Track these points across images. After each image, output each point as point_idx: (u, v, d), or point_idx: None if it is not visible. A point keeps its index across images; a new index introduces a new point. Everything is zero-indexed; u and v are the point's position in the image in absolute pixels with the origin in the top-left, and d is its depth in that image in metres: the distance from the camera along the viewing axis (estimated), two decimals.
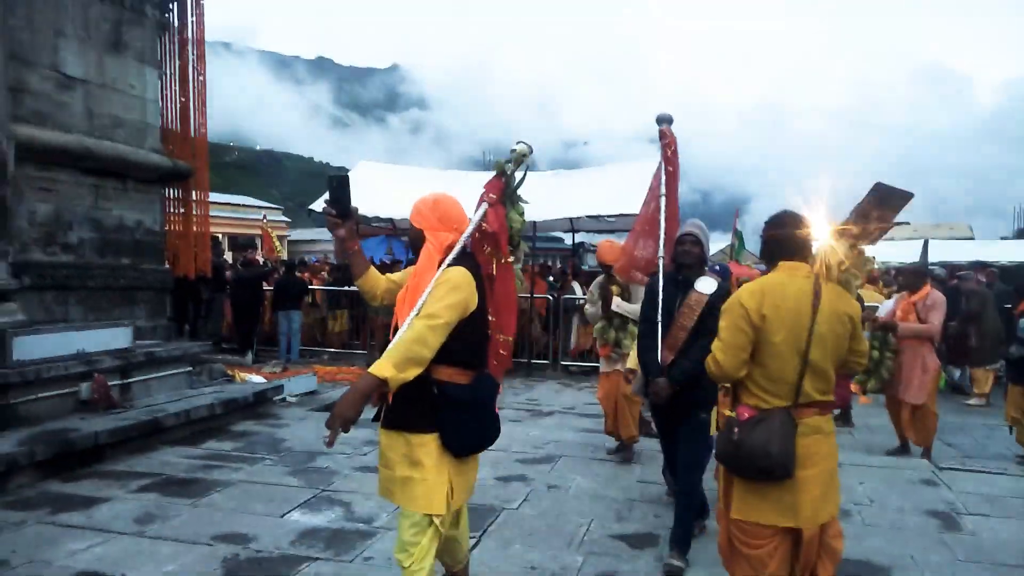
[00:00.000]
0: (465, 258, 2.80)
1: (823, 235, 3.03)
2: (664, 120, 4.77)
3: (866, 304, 7.21)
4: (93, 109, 8.22)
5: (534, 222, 12.90)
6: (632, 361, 5.27)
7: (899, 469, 5.83)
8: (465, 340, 2.66)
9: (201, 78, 9.80)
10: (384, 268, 14.64)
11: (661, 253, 4.38)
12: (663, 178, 4.67)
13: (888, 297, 9.99)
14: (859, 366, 3.04)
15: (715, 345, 2.85)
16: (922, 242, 18.86)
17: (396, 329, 2.69)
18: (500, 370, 3.35)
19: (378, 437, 2.79)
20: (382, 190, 13.67)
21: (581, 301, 10.36)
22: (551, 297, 12.54)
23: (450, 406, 2.65)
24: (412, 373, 2.50)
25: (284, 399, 7.72)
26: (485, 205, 3.08)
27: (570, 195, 12.95)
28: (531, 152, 3.38)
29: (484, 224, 3.06)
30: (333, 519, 4.40)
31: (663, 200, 4.62)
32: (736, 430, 2.72)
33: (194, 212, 9.76)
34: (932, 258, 11.52)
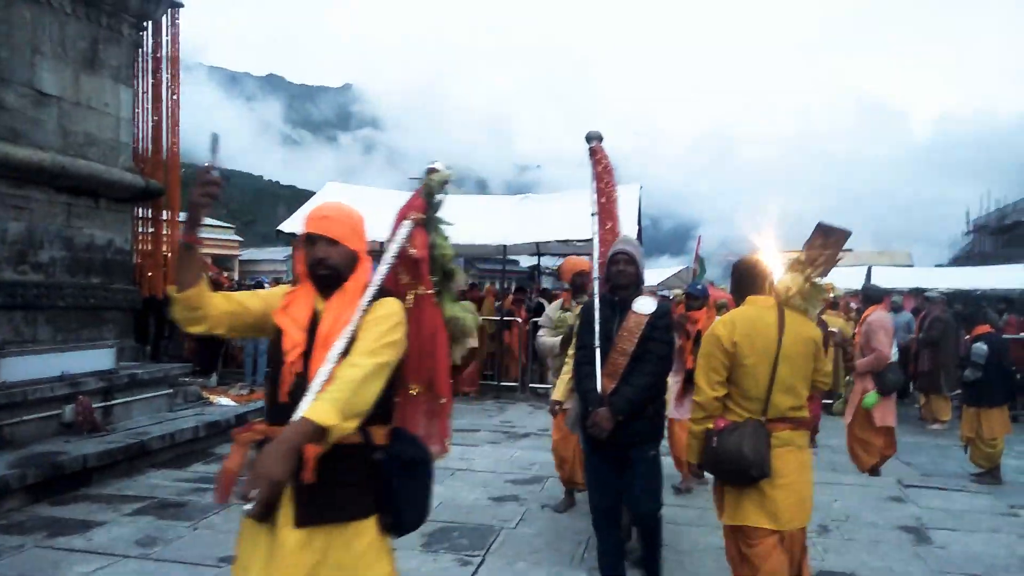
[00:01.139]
0: (387, 291, 2.31)
1: (779, 269, 3.51)
2: (593, 138, 4.59)
3: (829, 328, 7.60)
4: (67, 127, 8.12)
5: (504, 246, 13.11)
6: (559, 392, 4.72)
7: (869, 487, 6.15)
8: (389, 387, 2.18)
9: (174, 97, 9.74)
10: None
11: (596, 274, 4.06)
12: (594, 196, 4.50)
13: (850, 321, 10.49)
14: (824, 385, 3.50)
15: (696, 371, 3.31)
16: (865, 268, 19.63)
17: (297, 379, 2.11)
18: (451, 393, 2.75)
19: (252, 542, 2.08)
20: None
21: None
22: (519, 320, 12.72)
23: (405, 472, 2.17)
24: (352, 425, 1.96)
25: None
26: (409, 224, 2.53)
27: (538, 220, 13.19)
28: (452, 175, 2.74)
29: (408, 248, 2.51)
30: None
31: (594, 220, 4.42)
32: (714, 438, 3.13)
33: (164, 231, 9.67)
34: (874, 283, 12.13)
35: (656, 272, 24.66)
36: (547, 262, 18.23)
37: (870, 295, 7.30)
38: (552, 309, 5.49)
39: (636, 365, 3.58)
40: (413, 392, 2.49)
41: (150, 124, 9.54)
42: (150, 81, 9.53)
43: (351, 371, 1.99)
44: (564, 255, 15.90)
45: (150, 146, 9.52)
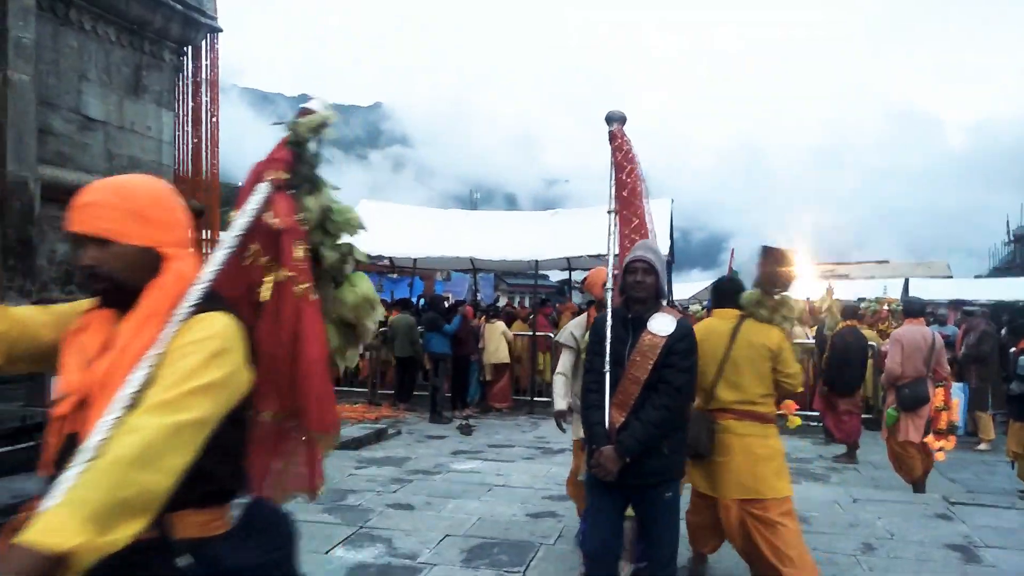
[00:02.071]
0: (214, 299, 1.60)
1: (751, 287, 4.05)
2: (614, 119, 4.01)
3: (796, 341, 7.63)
4: (112, 151, 8.37)
5: (536, 261, 13.15)
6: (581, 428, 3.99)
7: (914, 504, 6.02)
8: (226, 450, 1.52)
9: (214, 119, 9.99)
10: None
11: (610, 284, 3.54)
12: (612, 190, 3.94)
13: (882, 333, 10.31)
14: (790, 386, 3.97)
15: None
16: (903, 280, 19.32)
17: (68, 442, 1.48)
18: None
19: None
20: (381, 228, 13.87)
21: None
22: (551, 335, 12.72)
23: None
24: (128, 530, 1.27)
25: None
26: (266, 187, 1.85)
27: (569, 234, 13.23)
28: (331, 118, 2.00)
29: (266, 217, 1.81)
30: (378, 555, 4.48)
31: (612, 217, 3.88)
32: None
33: (204, 251, 9.87)
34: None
35: (688, 286, 24.51)
36: (578, 277, 18.25)
37: (910, 308, 7.18)
38: (576, 326, 4.65)
39: (648, 396, 3.08)
40: (264, 418, 1.82)
41: (190, 146, 9.79)
42: (190, 104, 9.78)
43: (125, 441, 1.30)
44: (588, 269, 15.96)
45: (190, 167, 9.77)
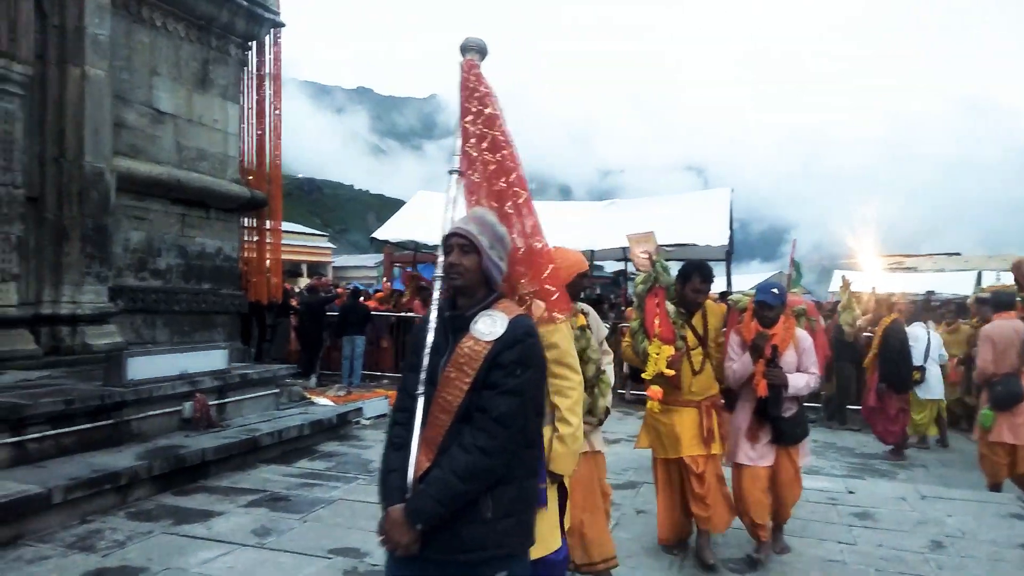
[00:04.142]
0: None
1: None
2: (471, 48, 2.93)
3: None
4: (182, 143, 8.68)
5: (592, 251, 13.10)
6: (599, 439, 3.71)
7: (986, 503, 5.80)
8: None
9: (277, 112, 10.24)
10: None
11: (439, 272, 2.30)
12: (457, 140, 2.81)
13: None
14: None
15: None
16: (975, 273, 18.50)
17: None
18: None
19: None
20: (438, 219, 14.01)
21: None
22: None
23: None
24: None
25: (359, 422, 7.95)
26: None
27: (625, 225, 13.11)
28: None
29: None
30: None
31: (453, 179, 2.67)
32: None
33: (267, 240, 10.17)
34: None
35: (747, 278, 24.04)
36: (633, 268, 18.09)
37: (999, 301, 6.74)
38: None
39: (460, 431, 2.04)
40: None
41: (254, 138, 10.07)
42: (254, 97, 10.06)
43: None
44: None
45: (254, 158, 10.06)
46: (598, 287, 21.62)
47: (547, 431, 2.96)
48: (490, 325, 2.12)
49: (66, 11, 7.06)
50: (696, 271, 4.14)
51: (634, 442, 4.62)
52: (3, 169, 6.16)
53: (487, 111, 2.77)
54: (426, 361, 2.15)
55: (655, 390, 4.12)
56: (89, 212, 7.14)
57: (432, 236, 13.87)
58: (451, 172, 2.75)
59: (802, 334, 4.34)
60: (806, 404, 4.53)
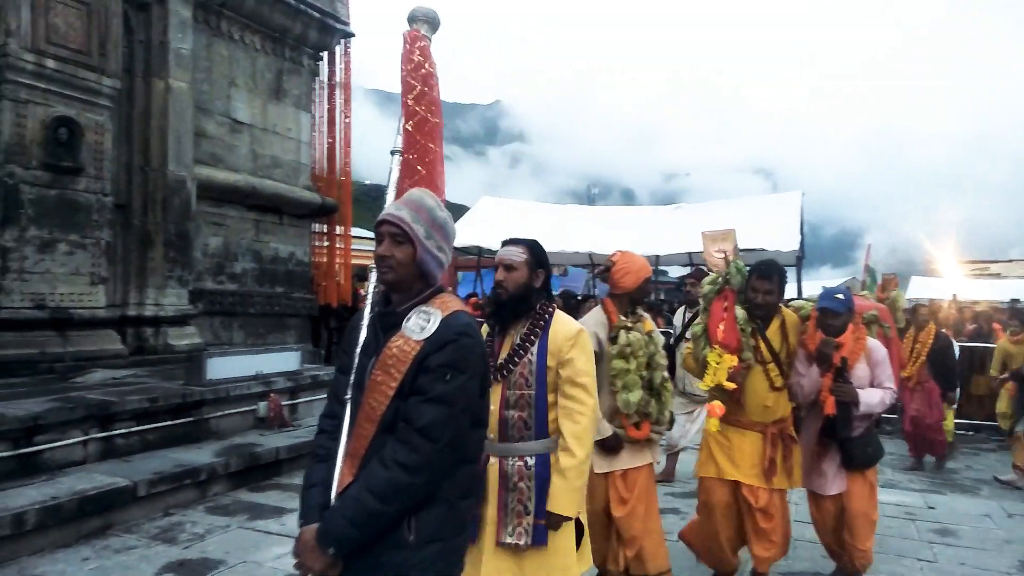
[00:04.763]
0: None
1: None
2: (418, 19, 2.77)
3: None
4: (257, 151, 9.00)
5: (657, 256, 12.97)
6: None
7: None
8: None
9: (347, 120, 10.51)
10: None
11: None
12: (401, 120, 2.62)
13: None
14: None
15: None
16: None
17: None
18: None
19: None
20: (501, 224, 14.13)
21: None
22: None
23: None
24: None
25: None
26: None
27: (691, 229, 12.93)
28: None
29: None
30: None
31: (394, 159, 2.48)
32: None
33: (337, 245, 10.43)
34: None
35: (817, 284, 23.30)
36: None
37: None
38: (599, 325, 3.54)
39: (383, 443, 1.79)
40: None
41: (325, 146, 10.36)
42: (325, 106, 10.35)
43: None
44: None
45: (325, 166, 10.34)
46: (662, 292, 21.37)
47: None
48: (422, 323, 1.87)
49: (151, 27, 7.43)
50: (755, 269, 3.62)
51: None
52: (94, 178, 6.51)
53: (431, 93, 2.49)
54: (357, 362, 1.93)
55: (716, 406, 3.57)
56: (172, 218, 7.47)
57: (495, 242, 13.99)
58: (393, 152, 2.53)
59: (875, 344, 3.81)
60: (884, 415, 4.34)
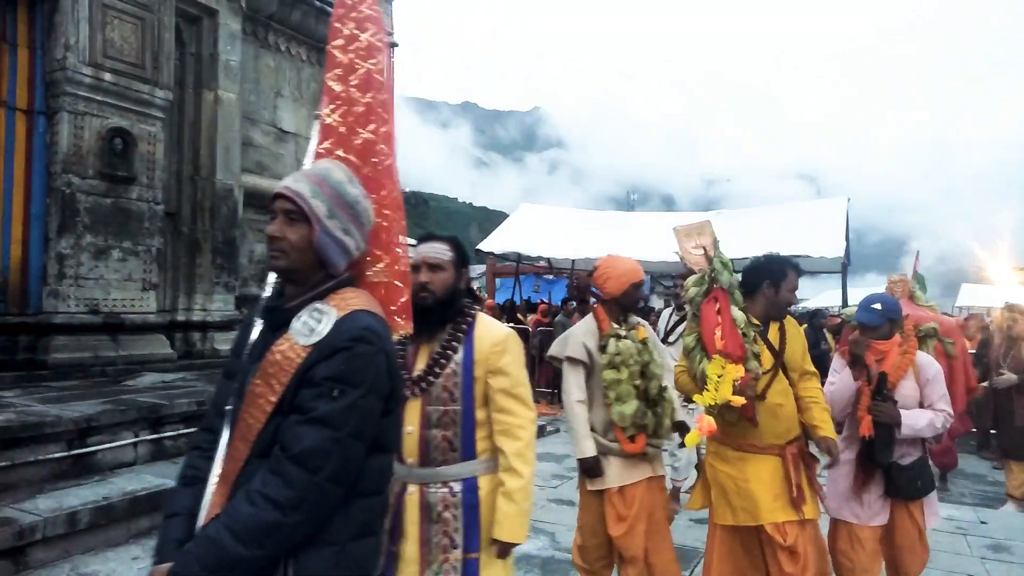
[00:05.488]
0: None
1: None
2: None
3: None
4: (302, 160, 9.16)
5: None
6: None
7: None
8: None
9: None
10: (531, 307, 15.02)
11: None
12: (327, 82, 2.19)
13: None
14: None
15: None
16: None
17: None
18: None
19: None
20: (540, 230, 14.14)
21: None
22: None
23: None
24: None
25: None
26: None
27: (733, 236, 12.78)
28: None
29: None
30: (542, 547, 4.60)
31: (315, 126, 2.07)
32: None
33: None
34: None
35: (862, 291, 22.76)
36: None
37: None
38: (587, 334, 3.36)
39: (257, 468, 1.48)
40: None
41: None
42: None
43: None
44: None
45: None
46: None
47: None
48: (312, 323, 1.54)
49: (202, 40, 7.64)
50: (791, 267, 3.08)
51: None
52: (147, 187, 6.72)
53: (366, 38, 2.04)
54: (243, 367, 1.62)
55: (707, 421, 2.85)
56: (219, 226, 7.66)
57: (535, 248, 14.00)
58: (316, 114, 2.11)
59: (926, 360, 3.34)
60: None
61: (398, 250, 1.83)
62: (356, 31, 2.04)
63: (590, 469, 3.26)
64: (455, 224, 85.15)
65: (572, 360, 3.33)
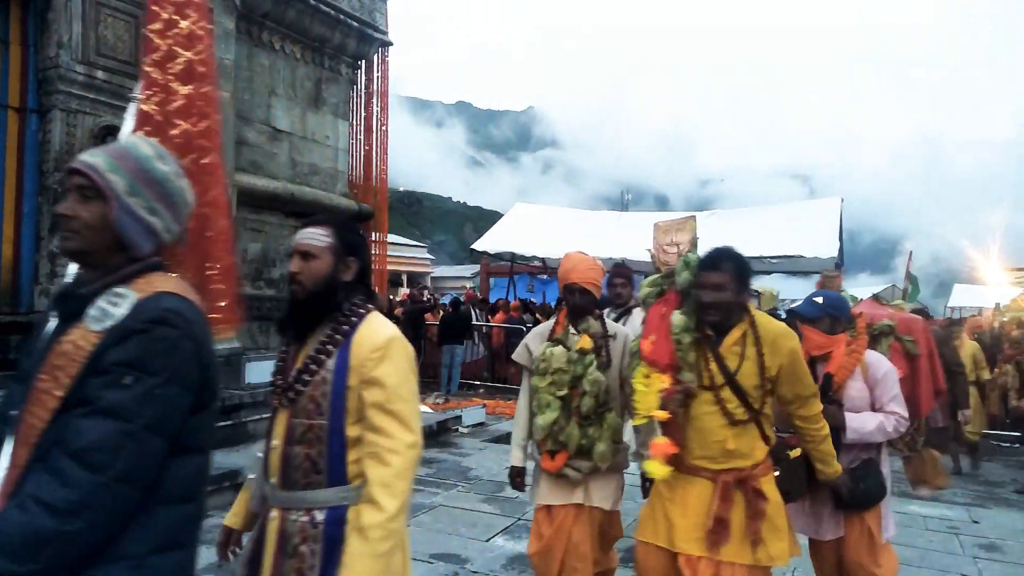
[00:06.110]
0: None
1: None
2: None
3: None
4: (296, 159, 9.15)
5: None
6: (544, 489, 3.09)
7: None
8: None
9: (383, 128, 10.65)
10: (526, 307, 15.04)
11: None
12: (146, 54, 2.19)
13: None
14: None
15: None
16: None
17: None
18: None
19: None
20: (534, 230, 14.16)
21: None
22: None
23: None
24: None
25: (458, 429, 8.12)
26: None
27: (726, 236, 12.82)
28: None
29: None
30: None
31: (134, 107, 2.02)
32: None
33: (373, 251, 10.56)
34: None
35: (856, 291, 22.84)
36: None
37: None
38: (535, 337, 3.25)
39: (33, 475, 1.31)
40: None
41: (362, 153, 10.50)
42: (363, 114, 10.49)
43: None
44: (755, 273, 15.34)
45: (361, 173, 10.48)
46: None
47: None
48: (108, 307, 1.37)
49: None
50: (702, 258, 2.65)
51: None
52: None
53: (186, 25, 1.77)
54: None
55: (661, 443, 2.53)
56: None
57: (529, 248, 14.03)
58: (131, 98, 1.84)
59: (876, 358, 3.10)
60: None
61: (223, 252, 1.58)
62: (175, 16, 1.85)
63: (511, 479, 3.22)
64: (449, 223, 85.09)
65: (518, 363, 3.29)
